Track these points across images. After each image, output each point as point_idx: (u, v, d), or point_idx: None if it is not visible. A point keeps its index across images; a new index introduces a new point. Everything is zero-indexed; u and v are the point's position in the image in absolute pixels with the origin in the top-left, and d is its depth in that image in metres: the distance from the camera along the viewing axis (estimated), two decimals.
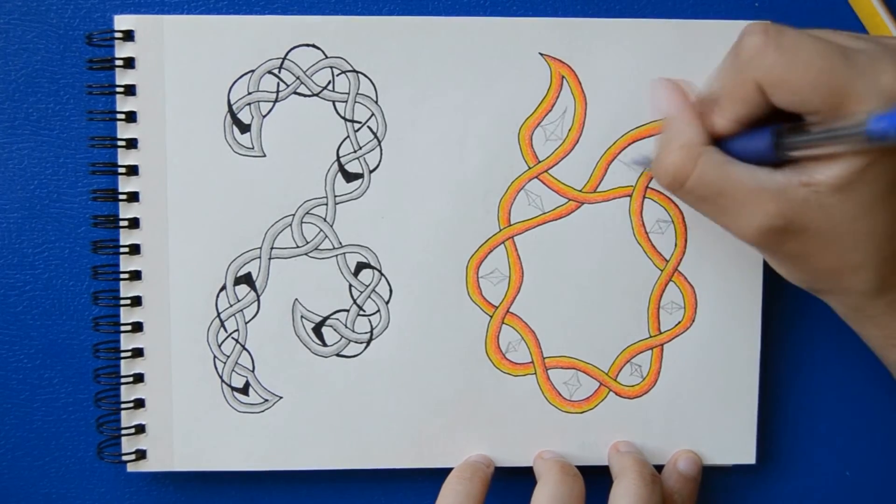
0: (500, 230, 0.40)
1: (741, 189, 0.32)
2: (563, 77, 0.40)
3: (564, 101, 0.40)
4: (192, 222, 0.39)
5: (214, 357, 0.40)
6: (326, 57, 0.39)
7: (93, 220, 0.40)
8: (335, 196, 0.40)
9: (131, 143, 0.39)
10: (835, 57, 0.29)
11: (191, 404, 0.40)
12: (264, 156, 0.39)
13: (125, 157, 0.39)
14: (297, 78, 0.39)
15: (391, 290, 0.40)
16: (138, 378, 0.40)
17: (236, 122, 0.39)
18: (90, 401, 0.41)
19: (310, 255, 0.40)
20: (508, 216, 0.40)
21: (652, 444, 0.41)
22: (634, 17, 0.40)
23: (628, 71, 0.39)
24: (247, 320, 0.40)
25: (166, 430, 0.40)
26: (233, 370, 0.40)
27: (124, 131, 0.39)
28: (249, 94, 0.39)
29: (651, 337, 0.41)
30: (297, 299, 0.40)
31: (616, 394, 0.41)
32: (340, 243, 0.40)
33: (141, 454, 0.40)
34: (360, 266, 0.40)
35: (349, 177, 0.40)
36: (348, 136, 0.40)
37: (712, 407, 0.41)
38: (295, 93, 0.39)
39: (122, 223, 0.39)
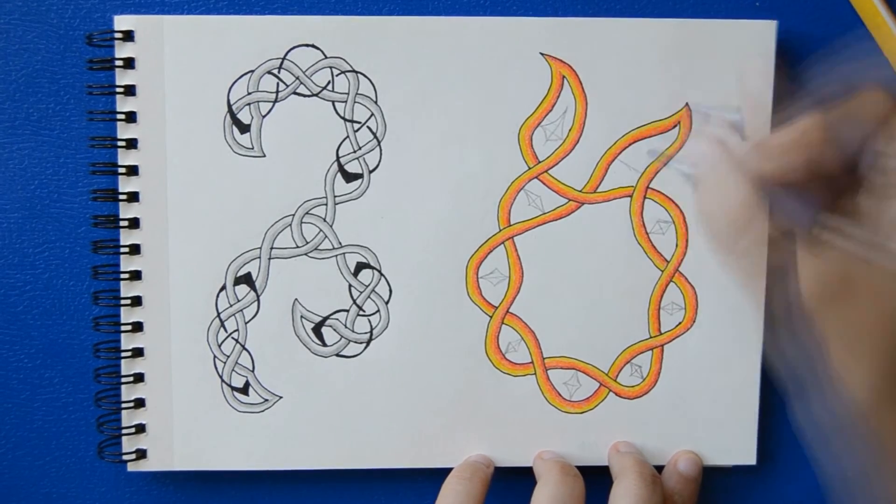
0: (500, 230, 0.40)
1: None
2: (563, 77, 0.39)
3: (565, 100, 0.40)
4: (192, 222, 0.39)
5: (214, 357, 0.40)
6: (326, 57, 0.39)
7: (93, 220, 0.40)
8: (335, 196, 0.40)
9: (131, 144, 0.39)
10: None
11: (191, 404, 0.40)
12: (264, 156, 0.39)
13: (125, 158, 0.39)
14: (297, 78, 0.39)
15: (391, 291, 0.40)
16: (138, 378, 0.40)
17: (236, 122, 0.39)
18: (90, 400, 0.41)
19: (310, 255, 0.40)
20: (508, 216, 0.40)
21: (652, 444, 0.41)
22: (635, 17, 0.40)
23: (629, 71, 0.39)
24: (247, 320, 0.40)
25: (166, 429, 0.40)
26: (233, 370, 0.40)
27: (124, 131, 0.39)
28: (249, 94, 0.39)
29: (651, 337, 0.41)
30: (296, 299, 0.40)
31: (616, 394, 0.41)
32: (340, 243, 0.40)
33: (141, 454, 0.40)
34: (360, 266, 0.40)
35: (349, 177, 0.40)
36: (348, 137, 0.39)
37: (712, 407, 0.41)
38: (294, 93, 0.39)
39: (122, 223, 0.39)
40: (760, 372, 0.40)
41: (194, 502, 0.42)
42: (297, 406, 0.40)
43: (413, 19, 0.39)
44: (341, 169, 0.40)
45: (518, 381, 0.40)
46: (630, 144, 0.40)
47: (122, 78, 0.39)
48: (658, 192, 0.40)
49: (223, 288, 0.40)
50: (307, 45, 0.39)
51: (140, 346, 0.40)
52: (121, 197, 0.39)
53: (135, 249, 0.40)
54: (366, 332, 0.40)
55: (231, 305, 0.40)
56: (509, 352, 0.40)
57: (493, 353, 0.40)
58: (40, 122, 0.41)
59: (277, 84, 0.39)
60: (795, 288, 0.32)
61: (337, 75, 0.39)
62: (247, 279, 0.40)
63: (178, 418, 0.40)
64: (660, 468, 0.40)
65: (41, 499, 0.42)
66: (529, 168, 0.40)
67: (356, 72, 0.39)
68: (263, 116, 0.39)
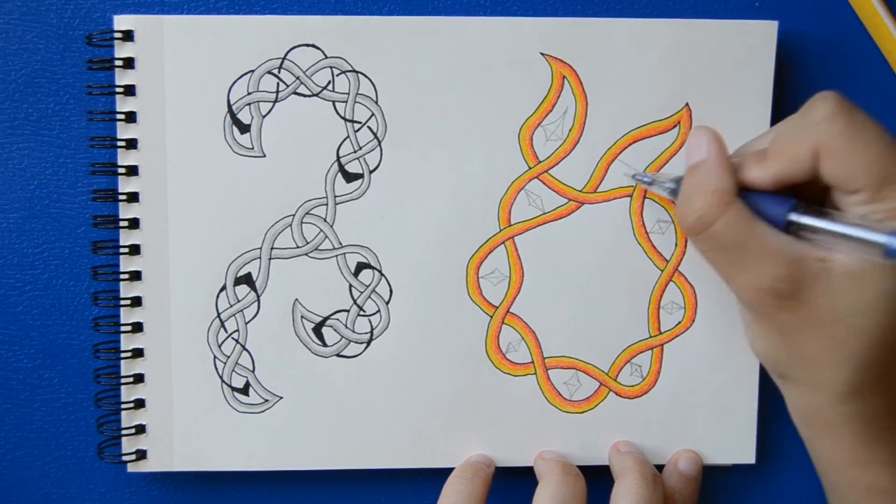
0: (501, 230, 0.40)
1: (760, 246, 0.32)
2: (564, 77, 0.39)
3: (565, 100, 0.40)
4: (192, 222, 0.39)
5: (214, 357, 0.40)
6: (326, 57, 0.39)
7: (93, 220, 0.40)
8: (335, 196, 0.40)
9: (131, 144, 0.39)
10: (894, 146, 0.31)
11: (191, 404, 0.40)
12: (264, 156, 0.39)
13: (125, 158, 0.39)
14: (297, 78, 0.39)
15: (391, 291, 0.40)
16: (138, 378, 0.40)
17: (236, 122, 0.39)
18: (90, 401, 0.41)
19: (310, 255, 0.40)
20: (509, 216, 0.40)
21: (652, 443, 0.41)
22: (635, 17, 0.40)
23: (629, 71, 0.39)
24: (247, 320, 0.40)
25: (166, 430, 0.40)
26: (233, 370, 0.40)
27: (124, 131, 0.39)
28: (249, 94, 0.39)
29: (651, 337, 0.41)
30: (297, 299, 0.40)
31: (616, 394, 0.41)
32: (340, 243, 0.40)
33: (141, 454, 0.40)
34: (361, 266, 0.40)
35: (349, 177, 0.40)
36: (348, 137, 0.39)
37: (712, 407, 0.41)
38: (295, 93, 0.39)
39: (122, 223, 0.39)
40: (759, 371, 0.41)
41: (194, 503, 0.42)
42: (298, 406, 0.40)
43: (413, 19, 0.39)
44: (342, 169, 0.40)
45: (518, 380, 0.40)
46: (630, 144, 0.40)
47: (122, 78, 0.39)
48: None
49: (223, 288, 0.40)
50: (307, 45, 0.39)
51: (140, 346, 0.40)
52: (120, 197, 0.39)
53: (135, 250, 0.39)
54: (366, 333, 0.40)
55: (231, 306, 0.40)
56: (510, 352, 0.40)
57: (494, 352, 0.40)
58: (40, 122, 0.41)
59: (277, 84, 0.39)
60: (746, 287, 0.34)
61: (337, 75, 0.39)
62: (247, 279, 0.40)
63: (178, 419, 0.40)
64: (660, 468, 0.40)
65: (41, 499, 0.42)
66: (530, 168, 0.40)
67: (356, 72, 0.39)
68: (263, 116, 0.39)
